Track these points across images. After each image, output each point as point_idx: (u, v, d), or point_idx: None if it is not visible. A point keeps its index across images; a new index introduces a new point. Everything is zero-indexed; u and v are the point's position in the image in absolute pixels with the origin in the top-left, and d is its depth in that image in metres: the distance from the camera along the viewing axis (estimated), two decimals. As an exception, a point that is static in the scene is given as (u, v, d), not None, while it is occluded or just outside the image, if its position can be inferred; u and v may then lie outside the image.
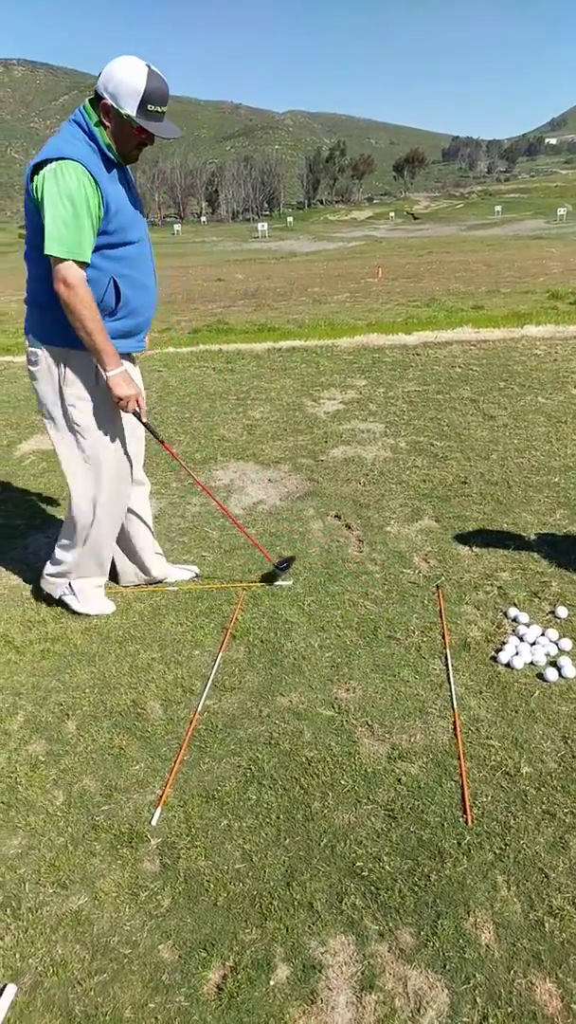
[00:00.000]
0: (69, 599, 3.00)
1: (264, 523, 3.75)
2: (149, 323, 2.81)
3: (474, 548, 3.36)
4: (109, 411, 2.69)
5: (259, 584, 3.16)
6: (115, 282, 2.53)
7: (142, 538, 3.09)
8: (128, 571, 3.18)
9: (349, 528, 3.64)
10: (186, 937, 1.71)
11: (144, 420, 2.75)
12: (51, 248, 2.33)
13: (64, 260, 2.36)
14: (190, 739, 2.31)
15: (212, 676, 2.59)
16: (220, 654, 2.71)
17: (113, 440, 2.74)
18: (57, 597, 3.03)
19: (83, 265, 2.40)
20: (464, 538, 3.45)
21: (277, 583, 3.15)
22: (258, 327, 10.88)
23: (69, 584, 2.99)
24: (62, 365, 2.61)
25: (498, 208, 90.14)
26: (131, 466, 2.87)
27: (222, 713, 2.43)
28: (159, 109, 2.39)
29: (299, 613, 2.95)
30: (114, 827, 2.01)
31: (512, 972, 1.59)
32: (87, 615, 2.99)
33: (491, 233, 54.46)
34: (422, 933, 1.68)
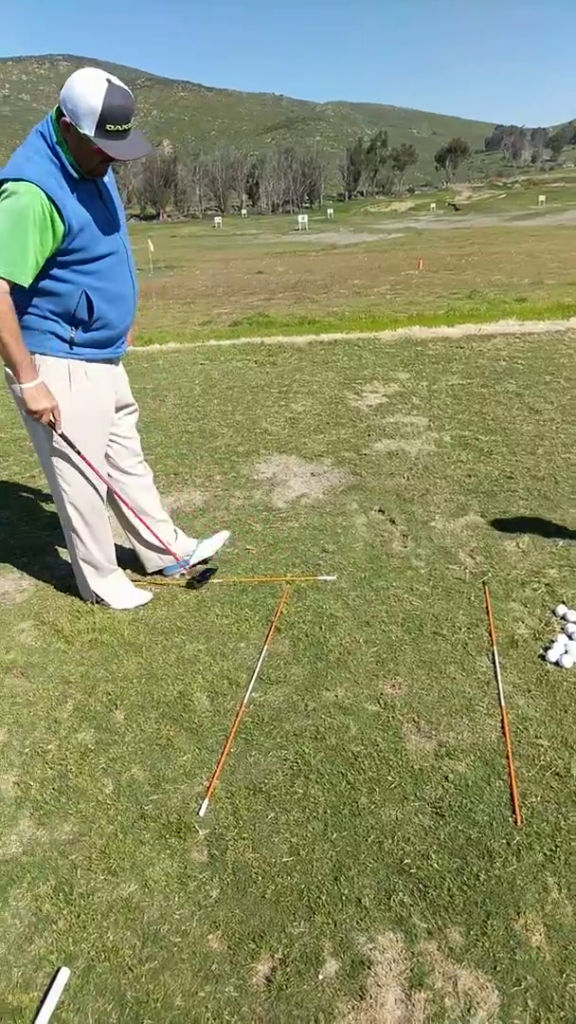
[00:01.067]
0: (106, 601, 3.05)
1: (307, 517, 3.75)
2: (127, 330, 2.81)
3: (521, 544, 3.32)
4: (80, 414, 2.68)
5: (303, 578, 3.16)
6: (87, 295, 2.51)
7: (150, 526, 3.12)
8: (150, 558, 3.22)
9: (393, 523, 3.62)
10: (235, 928, 1.72)
11: (59, 431, 2.68)
12: None
13: None
14: (236, 731, 2.32)
15: (258, 669, 2.60)
16: (265, 647, 2.72)
17: (83, 442, 2.73)
18: (92, 601, 3.08)
19: (12, 285, 2.35)
20: (511, 534, 3.40)
21: (321, 577, 3.15)
22: (299, 320, 10.86)
23: (95, 594, 3.04)
24: (35, 370, 2.58)
25: (542, 198, 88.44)
26: (103, 464, 2.86)
27: (268, 706, 2.44)
28: (120, 127, 2.27)
29: (343, 608, 2.94)
30: (162, 817, 2.03)
31: (564, 976, 1.57)
32: (128, 609, 3.04)
33: (535, 223, 53.48)
34: (471, 933, 1.67)
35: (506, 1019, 1.50)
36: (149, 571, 3.27)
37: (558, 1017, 1.50)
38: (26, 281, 2.38)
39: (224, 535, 3.44)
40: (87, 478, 2.81)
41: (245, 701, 2.45)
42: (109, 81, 2.23)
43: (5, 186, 2.31)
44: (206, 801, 2.06)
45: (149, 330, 10.75)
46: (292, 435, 4.93)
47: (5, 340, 2.42)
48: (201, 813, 2.03)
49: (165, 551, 3.19)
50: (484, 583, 3.04)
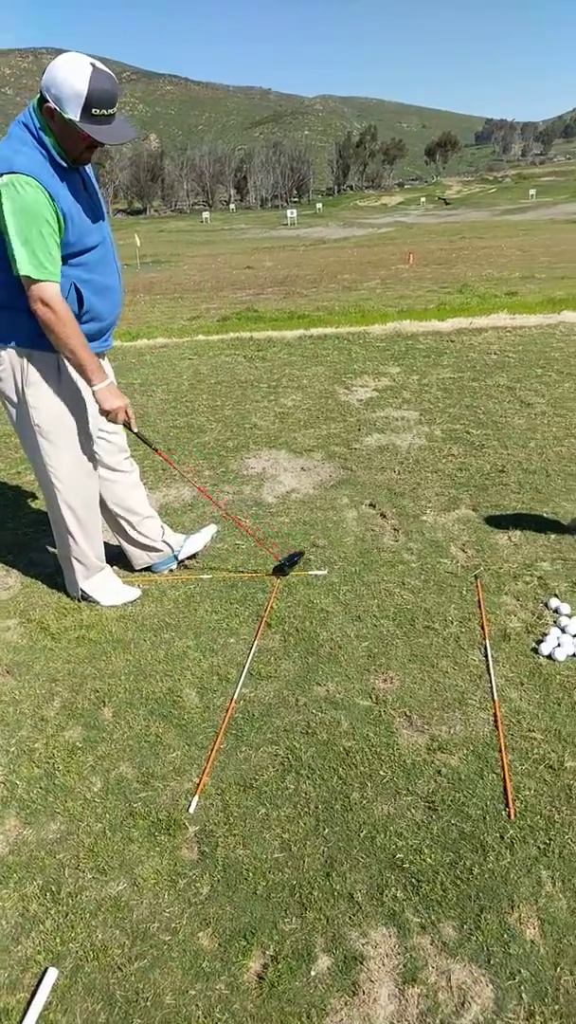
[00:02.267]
0: (93, 598, 3.02)
1: (298, 512, 3.72)
2: (116, 322, 2.78)
3: (513, 538, 3.30)
4: (70, 410, 2.65)
5: (294, 573, 3.14)
6: (76, 288, 2.48)
7: (136, 523, 3.09)
8: (138, 555, 3.18)
9: (384, 517, 3.60)
10: (226, 925, 1.70)
11: (135, 429, 2.70)
12: (24, 269, 2.28)
13: (38, 281, 2.31)
14: (227, 727, 2.30)
15: (248, 664, 2.58)
16: (255, 642, 2.70)
17: (73, 438, 2.70)
18: (78, 598, 3.05)
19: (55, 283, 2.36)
20: (502, 527, 3.39)
21: (312, 572, 3.13)
22: (288, 314, 10.83)
23: (81, 591, 3.01)
24: (24, 366, 2.56)
25: (532, 192, 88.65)
26: (94, 460, 2.82)
27: (258, 702, 2.41)
28: (105, 112, 2.24)
29: (334, 602, 2.92)
30: (152, 814, 2.01)
31: (559, 969, 1.56)
32: (116, 605, 3.01)
33: (525, 218, 53.54)
34: (465, 927, 1.66)
35: (500, 1013, 1.49)
36: (136, 568, 3.24)
37: (552, 1011, 1.49)
38: (59, 277, 2.36)
39: (212, 529, 3.41)
40: (80, 475, 2.78)
41: (235, 697, 2.43)
42: (93, 65, 2.20)
43: (1, 179, 2.23)
44: (196, 798, 2.04)
45: (136, 325, 10.70)
46: (282, 430, 4.90)
47: (72, 346, 2.42)
48: (191, 810, 2.01)
49: (152, 548, 3.16)
50: (476, 577, 3.03)
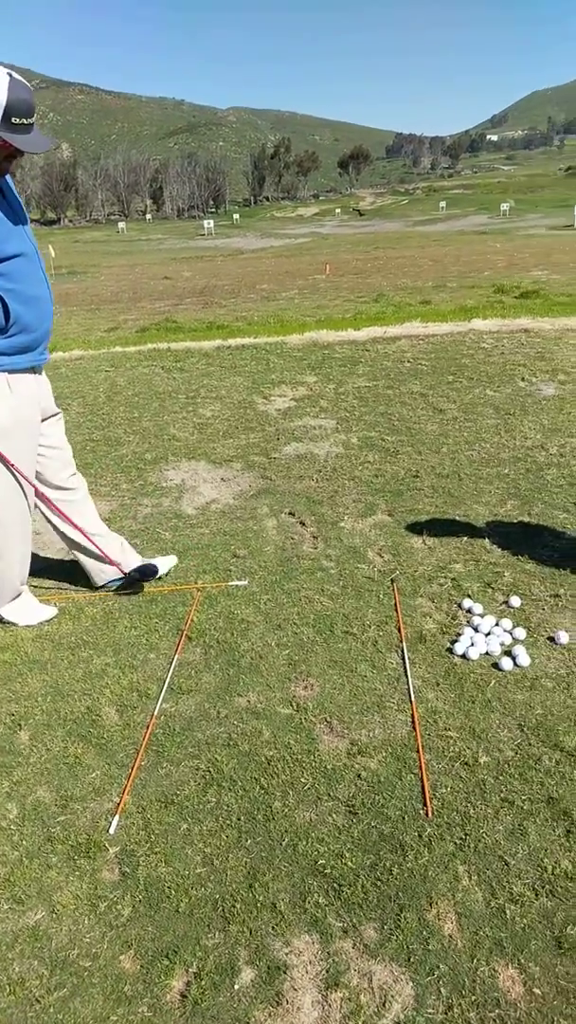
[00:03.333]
0: (10, 620, 2.93)
1: (218, 522, 3.72)
2: (48, 334, 2.74)
3: (427, 541, 3.39)
4: (8, 430, 2.60)
5: (214, 585, 3.13)
6: (1, 299, 2.45)
7: (94, 539, 3.02)
8: (99, 571, 3.10)
9: (303, 525, 3.64)
10: (148, 946, 1.68)
11: None
12: None
13: None
14: (147, 744, 2.27)
15: (168, 679, 2.56)
16: (176, 657, 2.67)
17: (11, 460, 2.65)
18: None
19: None
20: (417, 531, 3.48)
21: (232, 583, 3.13)
22: (207, 325, 10.81)
23: None
24: None
25: (443, 204, 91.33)
26: (25, 484, 2.76)
27: (179, 716, 2.39)
28: (24, 121, 2.28)
29: (255, 612, 2.93)
30: (71, 838, 1.96)
31: (475, 960, 1.60)
32: (33, 625, 2.94)
33: (436, 229, 55.12)
34: (385, 927, 1.68)
35: (421, 1009, 1.52)
36: (98, 584, 3.14)
37: (470, 1001, 1.53)
38: None
39: (172, 560, 3.29)
40: (17, 498, 2.70)
41: (156, 712, 2.40)
42: (10, 75, 2.22)
43: None
44: (116, 818, 2.00)
45: (52, 337, 10.47)
46: (201, 441, 4.89)
47: None
48: (111, 831, 1.97)
49: (107, 561, 3.06)
50: (392, 580, 3.09)
